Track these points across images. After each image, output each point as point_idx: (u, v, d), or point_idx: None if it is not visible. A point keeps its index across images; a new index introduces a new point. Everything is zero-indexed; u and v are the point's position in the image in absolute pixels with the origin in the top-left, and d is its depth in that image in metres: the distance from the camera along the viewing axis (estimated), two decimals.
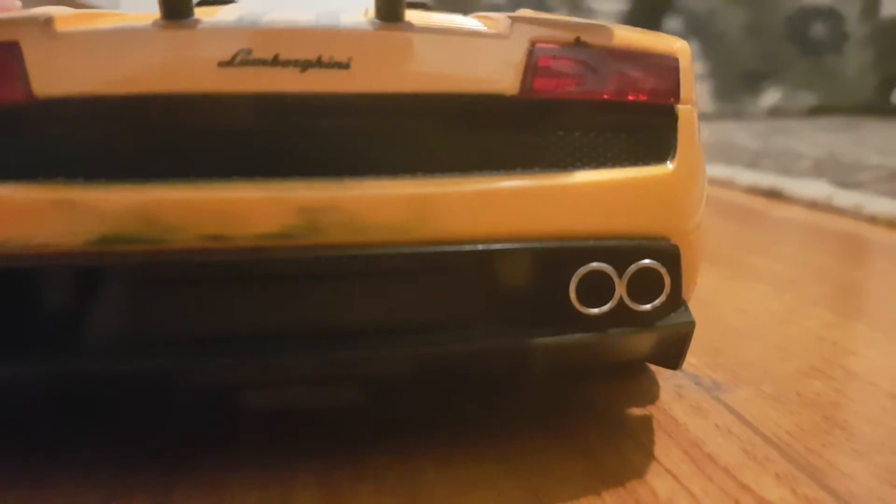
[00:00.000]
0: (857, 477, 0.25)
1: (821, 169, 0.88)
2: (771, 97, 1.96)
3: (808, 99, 1.94)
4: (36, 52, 0.22)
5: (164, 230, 0.22)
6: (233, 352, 0.23)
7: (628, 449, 0.26)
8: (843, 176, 0.80)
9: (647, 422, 0.28)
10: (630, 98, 0.24)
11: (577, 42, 0.24)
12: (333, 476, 0.25)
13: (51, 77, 0.22)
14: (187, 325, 0.23)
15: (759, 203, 0.79)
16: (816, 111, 1.87)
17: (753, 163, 0.96)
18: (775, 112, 1.89)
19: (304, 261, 0.22)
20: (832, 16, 1.94)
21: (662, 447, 0.26)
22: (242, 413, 0.28)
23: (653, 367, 0.33)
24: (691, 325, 0.25)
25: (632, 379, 0.32)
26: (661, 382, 0.32)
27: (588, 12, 1.99)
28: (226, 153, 0.22)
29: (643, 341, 0.25)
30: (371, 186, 0.22)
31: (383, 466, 0.25)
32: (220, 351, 0.23)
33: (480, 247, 0.23)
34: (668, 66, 0.25)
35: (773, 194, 0.80)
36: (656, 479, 0.24)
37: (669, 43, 0.26)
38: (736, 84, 2.04)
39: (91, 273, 0.22)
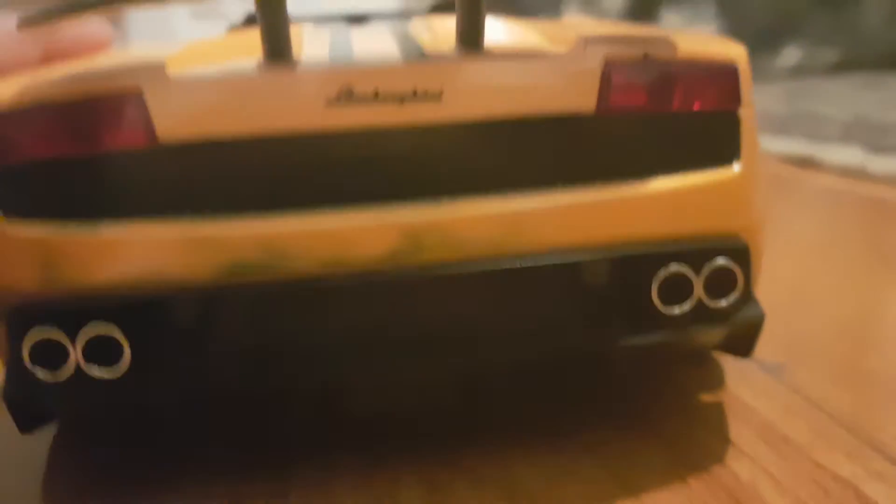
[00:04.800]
0: None
1: (851, 133, 0.88)
2: (791, 55, 1.93)
3: (829, 55, 1.91)
4: (156, 98, 0.24)
5: (285, 258, 0.24)
6: (347, 361, 0.25)
7: (704, 434, 0.28)
8: (875, 140, 0.81)
9: (718, 407, 0.30)
10: (696, 107, 0.26)
11: (645, 58, 0.25)
12: (432, 474, 0.27)
13: (173, 122, 0.24)
14: (305, 340, 0.25)
15: (791, 171, 0.79)
16: (839, 67, 1.85)
17: (781, 129, 0.97)
18: (797, 70, 1.86)
19: (409, 277, 0.24)
20: None
21: (737, 431, 0.28)
22: (348, 416, 0.30)
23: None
24: (762, 317, 0.27)
25: (698, 364, 0.34)
26: (726, 366, 0.33)
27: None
28: (335, 184, 0.24)
29: (719, 335, 0.27)
30: (466, 206, 0.24)
31: (477, 463, 0.27)
32: (335, 361, 0.25)
33: (567, 256, 0.25)
34: (728, 73, 0.26)
35: (805, 162, 0.80)
36: (735, 463, 0.26)
37: (727, 50, 0.27)
38: (754, 43, 2.01)
39: (220, 300, 0.24)
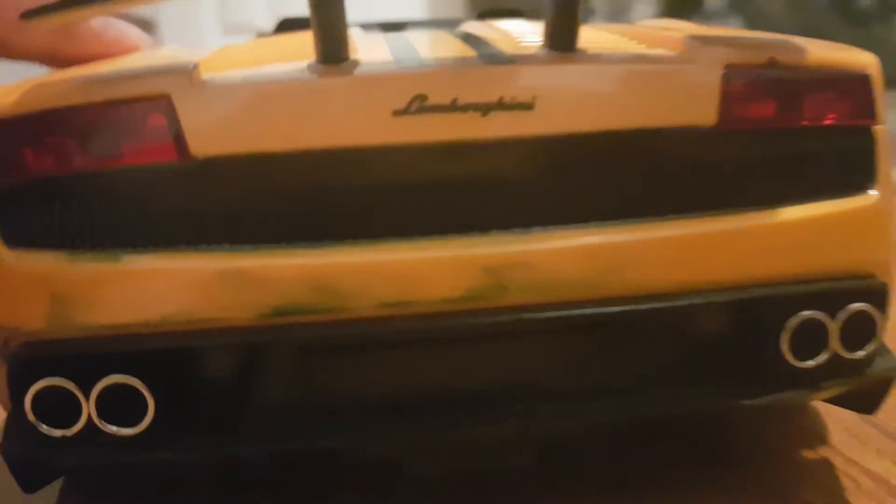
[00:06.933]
0: None
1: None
2: None
3: None
4: (188, 106, 0.20)
5: (339, 299, 0.20)
6: (409, 424, 0.21)
7: (734, 434, 0.30)
8: None
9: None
10: (828, 122, 0.22)
11: (772, 63, 0.22)
12: None
13: (207, 134, 0.20)
14: (364, 398, 0.22)
15: None
16: None
17: None
18: None
19: (487, 325, 0.21)
20: None
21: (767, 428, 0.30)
22: (409, 479, 0.26)
23: None
24: None
25: None
26: None
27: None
28: (404, 210, 0.21)
29: (845, 389, 0.23)
30: (560, 237, 0.21)
31: None
32: (396, 423, 0.21)
33: (681, 300, 0.21)
34: (861, 82, 0.23)
35: None
36: (764, 458, 0.28)
37: (856, 56, 0.23)
38: None
39: (263, 348, 0.21)
